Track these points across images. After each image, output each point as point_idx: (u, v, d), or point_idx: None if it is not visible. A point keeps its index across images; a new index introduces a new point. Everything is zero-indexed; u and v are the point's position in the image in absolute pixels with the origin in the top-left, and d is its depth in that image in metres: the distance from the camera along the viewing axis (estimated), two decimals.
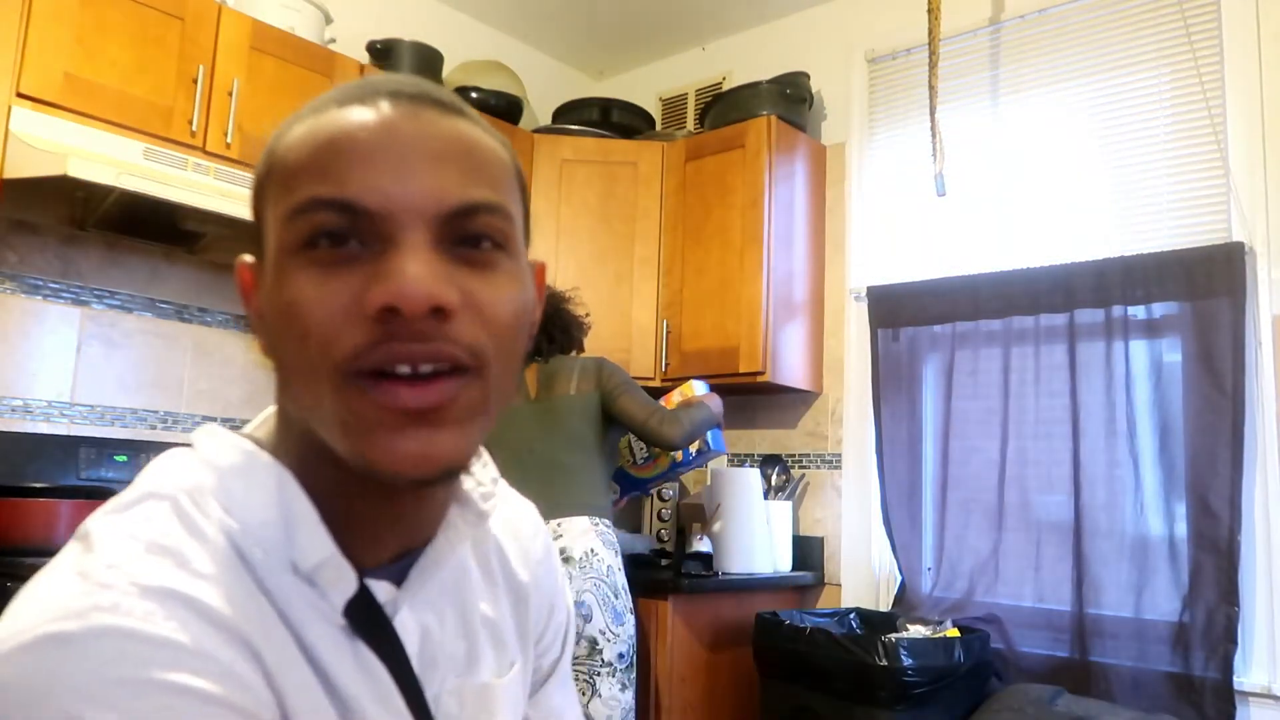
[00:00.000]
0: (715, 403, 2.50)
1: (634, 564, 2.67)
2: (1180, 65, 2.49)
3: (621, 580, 2.26)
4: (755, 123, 2.96)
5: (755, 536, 2.77)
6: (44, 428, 2.35)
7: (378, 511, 0.59)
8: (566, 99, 3.53)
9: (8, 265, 2.34)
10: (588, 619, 2.18)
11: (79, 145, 2.05)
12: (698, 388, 2.61)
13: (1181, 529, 2.29)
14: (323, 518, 0.57)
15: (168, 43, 2.27)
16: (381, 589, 0.59)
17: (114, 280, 2.51)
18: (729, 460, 3.22)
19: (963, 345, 2.70)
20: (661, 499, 3.12)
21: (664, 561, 3.00)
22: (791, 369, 2.94)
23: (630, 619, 2.24)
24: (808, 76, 3.17)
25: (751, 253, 2.90)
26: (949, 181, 2.69)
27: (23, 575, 1.83)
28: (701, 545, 2.81)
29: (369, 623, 0.58)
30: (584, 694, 2.17)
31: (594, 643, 2.18)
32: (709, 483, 2.93)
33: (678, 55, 3.69)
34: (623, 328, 3.08)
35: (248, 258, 0.60)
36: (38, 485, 2.14)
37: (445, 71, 3.12)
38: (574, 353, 2.51)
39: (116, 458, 2.39)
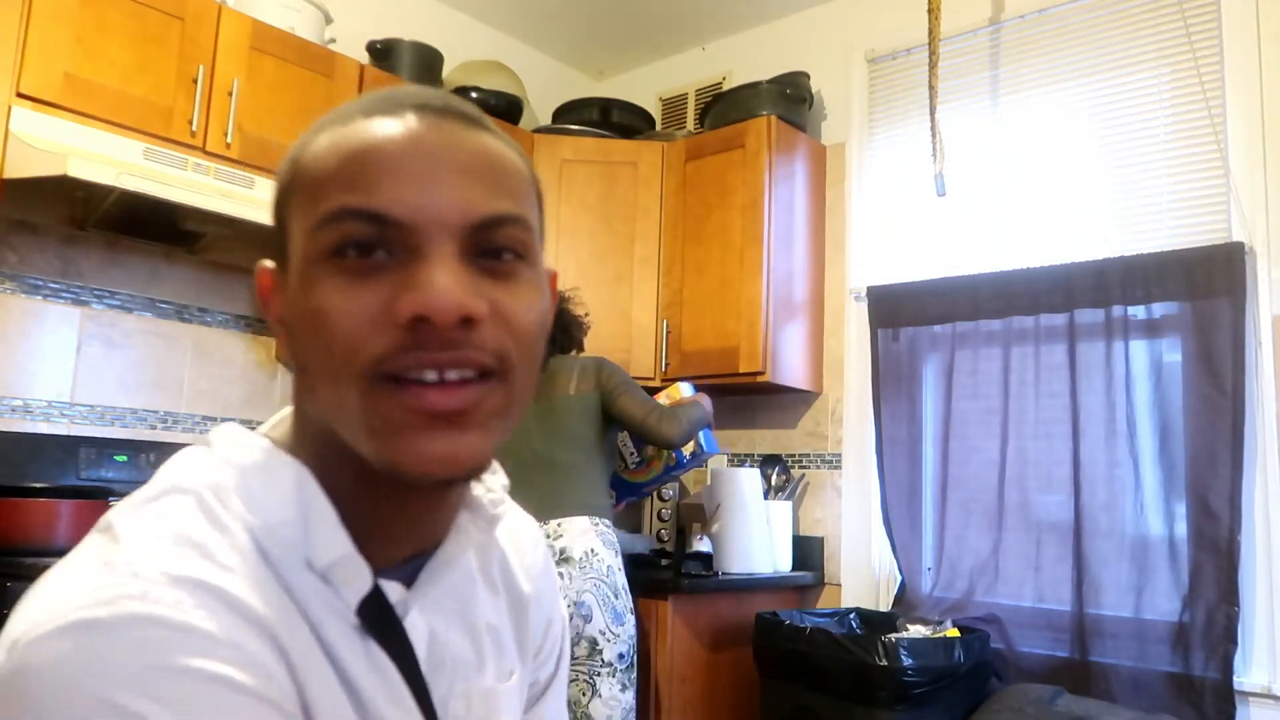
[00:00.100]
0: (706, 402, 2.51)
1: (634, 564, 2.67)
2: (1180, 65, 2.49)
3: (621, 580, 2.26)
4: (755, 123, 2.96)
5: (755, 536, 2.77)
6: (44, 428, 2.35)
7: (392, 513, 0.60)
8: (566, 99, 3.53)
9: (8, 265, 2.34)
10: (588, 619, 2.18)
11: (79, 145, 2.05)
12: (685, 389, 2.62)
13: (1181, 529, 2.29)
14: (338, 517, 0.58)
15: (168, 43, 2.27)
16: (392, 589, 0.60)
17: (114, 280, 2.51)
18: (729, 460, 3.22)
19: (963, 345, 2.70)
20: (661, 499, 3.12)
21: (664, 561, 3.00)
22: (791, 369, 2.94)
23: (630, 619, 2.24)
24: (808, 76, 3.17)
25: (751, 253, 2.90)
26: (949, 181, 2.69)
27: (23, 575, 1.83)
28: (701, 545, 2.81)
29: (381, 622, 0.59)
30: (584, 694, 2.17)
31: (594, 643, 2.18)
32: (709, 483, 2.93)
33: (678, 55, 3.69)
34: (623, 328, 3.08)
35: (268, 263, 0.61)
36: (38, 485, 2.14)
37: (445, 71, 3.12)
38: (574, 353, 2.51)
39: (116, 458, 2.39)
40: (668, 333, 3.07)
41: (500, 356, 0.56)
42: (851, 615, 2.66)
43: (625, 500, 2.84)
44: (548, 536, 2.25)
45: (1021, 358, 2.58)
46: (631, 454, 2.70)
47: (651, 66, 3.77)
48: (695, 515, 3.02)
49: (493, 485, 0.69)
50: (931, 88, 2.69)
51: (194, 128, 2.28)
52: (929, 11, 2.70)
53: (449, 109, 0.58)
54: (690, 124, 3.56)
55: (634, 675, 2.24)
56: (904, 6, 3.00)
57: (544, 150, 3.13)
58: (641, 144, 3.21)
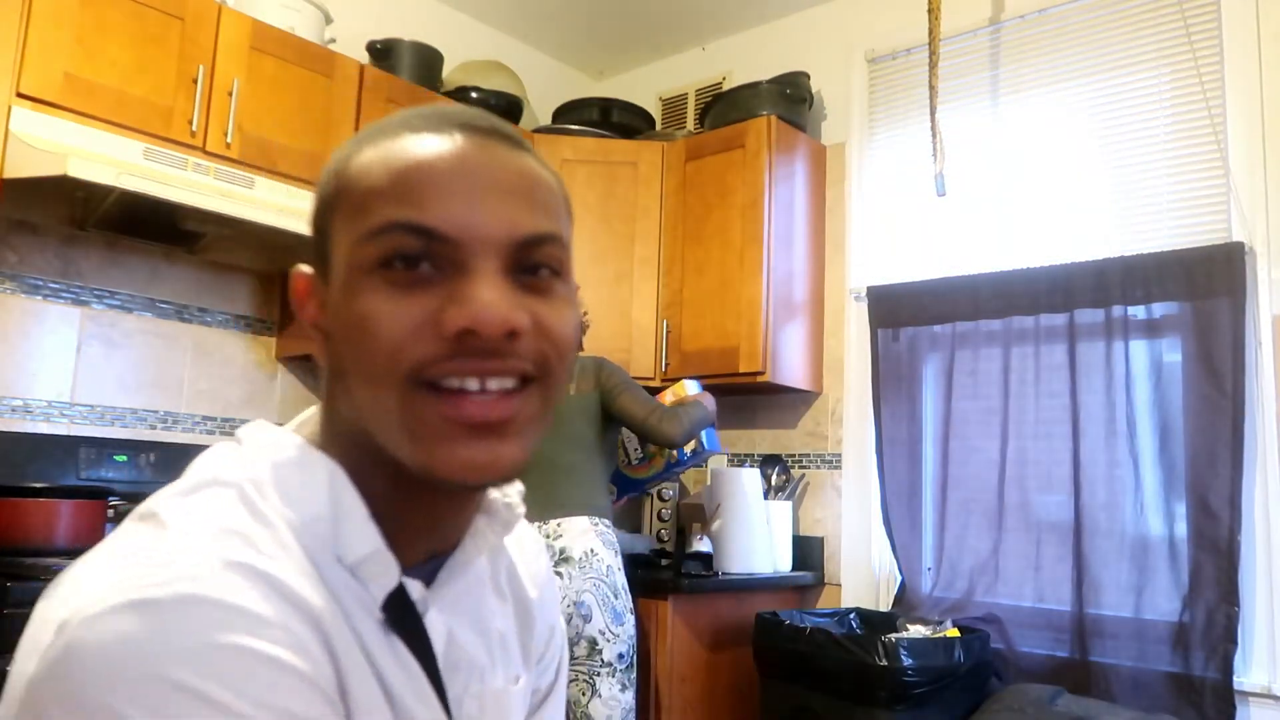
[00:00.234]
0: (709, 401, 2.51)
1: (634, 564, 2.67)
2: (1180, 65, 2.49)
3: (621, 580, 2.26)
4: (755, 123, 2.96)
5: (755, 536, 2.77)
6: (44, 428, 2.35)
7: (419, 514, 0.62)
8: (566, 99, 3.53)
9: (8, 265, 2.34)
10: (587, 619, 2.18)
11: (79, 145, 2.05)
12: (690, 387, 2.61)
13: (1181, 529, 2.29)
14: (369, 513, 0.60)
15: (168, 43, 2.27)
16: (414, 587, 0.62)
17: (114, 280, 2.51)
18: (729, 460, 3.22)
19: (963, 345, 2.70)
20: (661, 499, 3.12)
21: (664, 561, 3.00)
22: (791, 369, 2.94)
23: (630, 619, 2.24)
24: (808, 76, 3.17)
25: (751, 253, 2.90)
26: (949, 181, 2.69)
27: (23, 575, 1.83)
28: (701, 545, 2.81)
29: (404, 619, 0.60)
30: (584, 694, 2.17)
31: (594, 643, 2.18)
32: (709, 483, 2.93)
33: (678, 55, 3.69)
34: (623, 328, 3.08)
35: (305, 268, 0.63)
36: (38, 485, 2.14)
37: (445, 71, 3.12)
38: None
39: (116, 458, 2.39)
40: (668, 333, 3.07)
41: (539, 363, 0.59)
42: (851, 615, 2.66)
43: (627, 496, 2.84)
44: (547, 536, 2.25)
45: (1021, 358, 2.58)
46: (635, 449, 2.70)
47: (651, 66, 3.77)
48: (695, 515, 3.02)
49: (508, 490, 0.70)
50: (931, 88, 2.69)
51: (194, 128, 2.28)
52: (929, 11, 2.70)
53: (494, 130, 0.61)
54: (690, 124, 3.56)
55: (634, 675, 2.24)
56: (904, 6, 3.00)
57: (544, 150, 3.13)
58: (641, 144, 3.21)
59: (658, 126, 3.59)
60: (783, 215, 2.95)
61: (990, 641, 2.37)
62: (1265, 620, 2.22)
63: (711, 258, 3.00)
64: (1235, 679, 2.19)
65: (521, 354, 0.58)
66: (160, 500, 0.57)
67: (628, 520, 3.13)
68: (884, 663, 2.13)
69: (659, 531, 3.11)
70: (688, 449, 2.62)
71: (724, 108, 3.12)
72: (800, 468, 3.07)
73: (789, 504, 2.96)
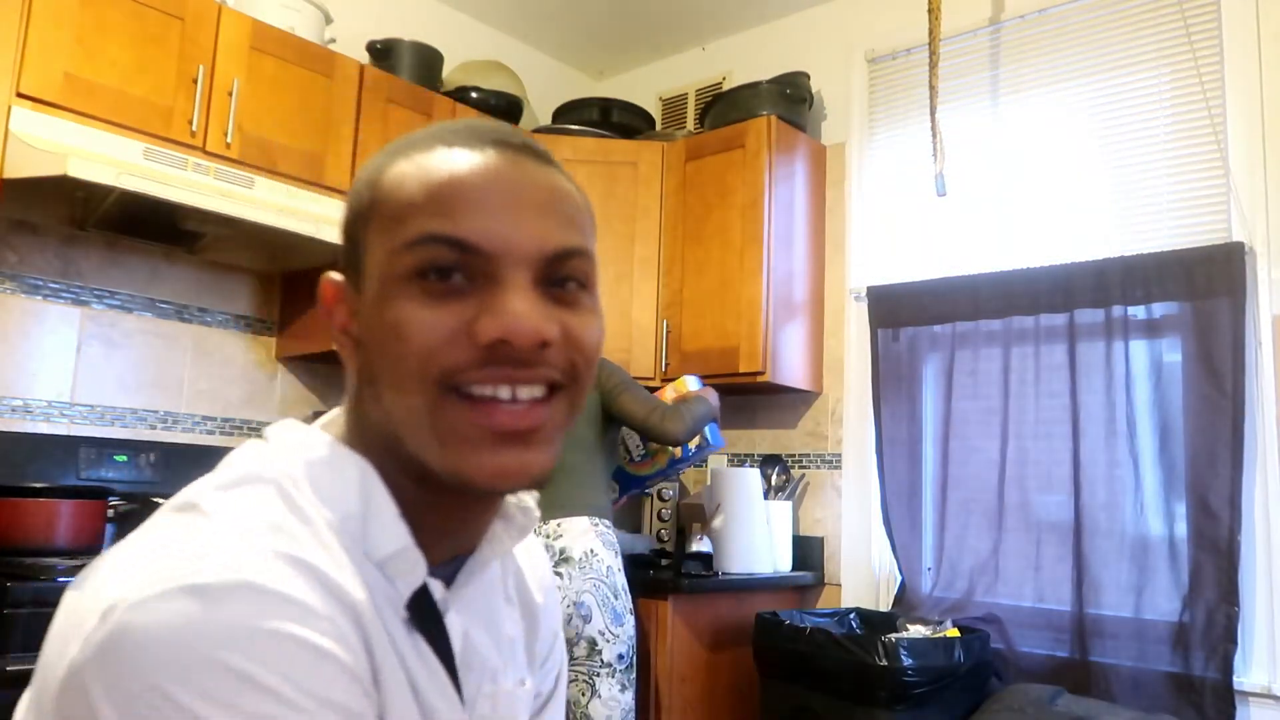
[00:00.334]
0: (712, 396, 2.51)
1: (634, 564, 2.67)
2: (1180, 65, 2.49)
3: (621, 580, 2.26)
4: (755, 123, 2.96)
5: (755, 536, 2.77)
6: (44, 428, 2.35)
7: (443, 517, 0.64)
8: (566, 99, 3.53)
9: (8, 265, 2.34)
10: (587, 619, 2.18)
11: (79, 145, 2.04)
12: (691, 383, 2.61)
13: (1181, 529, 2.29)
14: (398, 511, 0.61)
15: (168, 43, 2.27)
16: (436, 587, 0.63)
17: (114, 280, 2.51)
18: (729, 460, 3.22)
19: (963, 345, 2.70)
20: (661, 499, 3.12)
21: (664, 561, 3.00)
22: (791, 369, 2.94)
23: (630, 619, 2.24)
24: (808, 76, 3.17)
25: (751, 253, 2.90)
26: (949, 181, 2.69)
27: (23, 575, 1.83)
28: (701, 545, 2.81)
29: (427, 618, 0.62)
30: (583, 694, 2.17)
31: (593, 643, 2.18)
32: (709, 482, 2.93)
33: (678, 55, 3.69)
34: (623, 328, 3.08)
35: (335, 275, 0.66)
36: (38, 485, 2.14)
37: (445, 71, 3.12)
38: None
39: (116, 458, 2.39)
40: (668, 333, 3.07)
41: (568, 372, 0.61)
42: (851, 615, 2.66)
43: (629, 493, 2.83)
44: (547, 537, 2.25)
45: (1021, 358, 2.58)
46: (637, 446, 2.70)
47: (651, 66, 3.77)
48: (695, 515, 3.02)
49: (523, 496, 0.72)
50: (932, 88, 2.70)
51: (194, 128, 2.28)
52: (929, 11, 2.70)
53: (525, 146, 0.63)
54: (690, 124, 3.56)
55: (633, 676, 2.24)
56: (904, 6, 3.00)
57: None
58: (641, 144, 3.21)
59: (658, 126, 3.59)
60: (783, 215, 2.95)
61: (990, 641, 2.37)
62: (1265, 620, 2.22)
63: (711, 258, 3.00)
64: (1235, 679, 2.19)
65: (551, 363, 0.60)
66: (200, 492, 0.58)
67: (628, 520, 3.13)
68: (884, 663, 2.13)
69: (659, 531, 3.11)
70: (691, 445, 2.62)
71: (724, 108, 3.12)
72: (800, 468, 3.08)
73: (789, 504, 2.96)
